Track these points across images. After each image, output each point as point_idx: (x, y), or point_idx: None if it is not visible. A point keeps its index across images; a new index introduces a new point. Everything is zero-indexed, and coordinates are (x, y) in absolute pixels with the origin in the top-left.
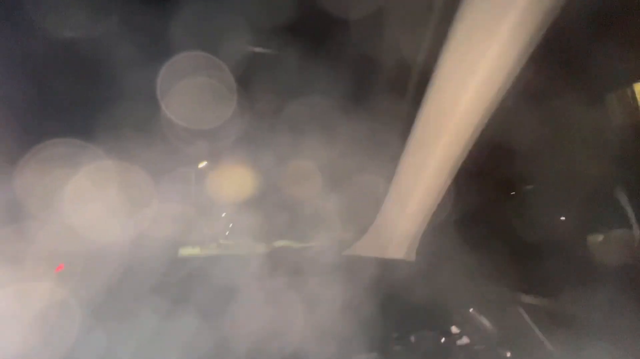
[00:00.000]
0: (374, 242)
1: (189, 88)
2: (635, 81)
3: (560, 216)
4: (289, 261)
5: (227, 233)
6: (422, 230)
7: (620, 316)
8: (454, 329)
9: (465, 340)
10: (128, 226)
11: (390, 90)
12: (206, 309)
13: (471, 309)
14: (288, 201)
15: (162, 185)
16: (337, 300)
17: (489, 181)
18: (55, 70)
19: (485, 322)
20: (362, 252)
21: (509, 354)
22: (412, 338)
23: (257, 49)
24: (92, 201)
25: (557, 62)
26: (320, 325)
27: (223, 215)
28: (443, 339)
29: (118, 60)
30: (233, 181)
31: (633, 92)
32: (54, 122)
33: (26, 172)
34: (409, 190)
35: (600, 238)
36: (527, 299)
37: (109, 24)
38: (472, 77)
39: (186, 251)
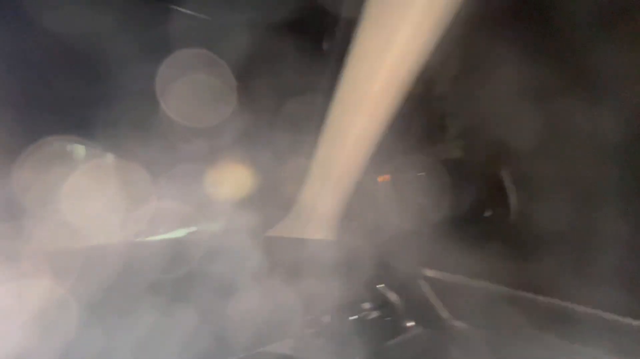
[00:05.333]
0: (297, 222)
1: (188, 86)
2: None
3: (465, 198)
4: (208, 247)
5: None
6: (341, 209)
7: (516, 289)
8: (365, 305)
9: (374, 315)
10: (126, 224)
11: (307, 76)
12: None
13: (382, 286)
14: (207, 183)
15: (160, 182)
16: (255, 282)
17: (402, 163)
18: (52, 67)
19: (393, 297)
20: (285, 233)
21: (412, 324)
22: (326, 319)
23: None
24: (91, 199)
25: (469, 37)
26: (238, 310)
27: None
28: (355, 317)
29: (116, 57)
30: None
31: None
32: (51, 119)
33: (24, 169)
34: (328, 171)
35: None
36: (430, 273)
37: (107, 20)
38: (386, 55)
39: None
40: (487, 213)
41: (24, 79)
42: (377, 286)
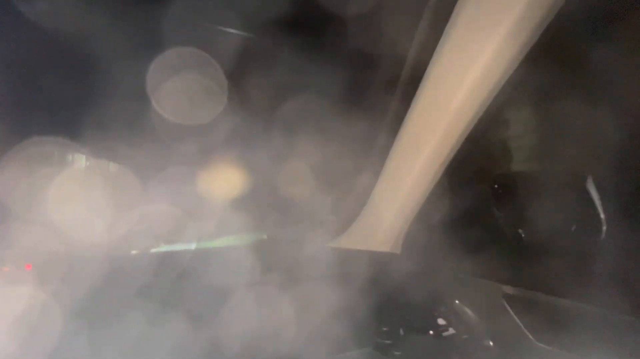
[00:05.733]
0: (360, 234)
1: (179, 85)
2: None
3: (547, 213)
4: (274, 255)
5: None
6: (408, 223)
7: (603, 308)
8: (441, 321)
9: (451, 331)
10: (115, 226)
11: (381, 84)
12: (195, 311)
13: (457, 302)
14: (272, 193)
15: (150, 183)
16: (323, 294)
17: (478, 178)
18: (40, 65)
19: (470, 314)
20: (348, 244)
21: (491, 344)
22: (402, 331)
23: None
24: (78, 200)
25: (553, 60)
26: (308, 321)
27: (211, 211)
28: (431, 332)
29: (106, 56)
30: (222, 178)
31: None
32: (38, 119)
33: (8, 170)
34: (397, 183)
35: (581, 231)
36: (510, 291)
37: (97, 17)
38: (466, 75)
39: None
40: (572, 228)
41: (10, 79)
42: (454, 302)
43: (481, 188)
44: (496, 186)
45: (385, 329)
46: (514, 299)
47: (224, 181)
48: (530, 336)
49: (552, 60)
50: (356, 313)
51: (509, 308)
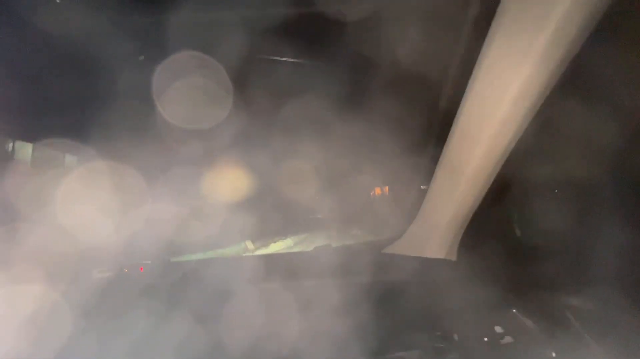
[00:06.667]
0: (414, 241)
1: (184, 88)
2: None
3: (610, 221)
4: (328, 260)
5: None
6: (463, 229)
7: None
8: (498, 329)
9: (508, 339)
10: (121, 228)
11: (429, 85)
12: (200, 312)
13: (514, 311)
14: (327, 199)
15: (156, 186)
16: (377, 300)
17: (533, 182)
18: (47, 69)
19: (530, 324)
20: (402, 251)
21: (554, 354)
22: (455, 337)
23: (256, 49)
24: (85, 202)
25: (590, 80)
26: (360, 325)
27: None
28: (486, 339)
29: (112, 60)
30: (230, 181)
31: None
32: (46, 122)
33: (18, 172)
34: (450, 188)
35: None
36: (575, 302)
37: (103, 22)
38: (515, 74)
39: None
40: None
41: (19, 83)
42: (512, 311)
43: (537, 194)
44: (554, 192)
45: (438, 333)
46: (579, 310)
47: (277, 186)
48: (594, 346)
49: (589, 78)
50: (409, 318)
51: (573, 319)
